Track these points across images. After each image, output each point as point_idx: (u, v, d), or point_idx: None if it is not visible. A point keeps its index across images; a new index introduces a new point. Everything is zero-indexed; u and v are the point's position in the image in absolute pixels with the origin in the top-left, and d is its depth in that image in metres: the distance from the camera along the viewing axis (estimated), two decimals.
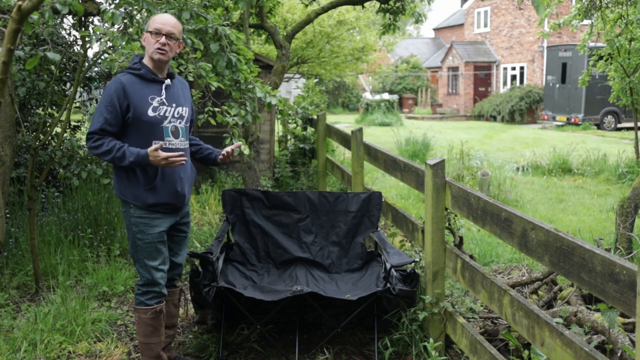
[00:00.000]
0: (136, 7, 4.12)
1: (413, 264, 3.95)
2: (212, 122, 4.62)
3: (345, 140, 6.83)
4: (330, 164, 7.67)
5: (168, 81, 3.25)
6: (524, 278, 4.36)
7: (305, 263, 4.30)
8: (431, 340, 3.39)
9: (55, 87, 6.13)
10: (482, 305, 3.97)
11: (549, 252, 2.44)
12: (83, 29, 5.00)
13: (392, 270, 3.85)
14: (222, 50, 4.54)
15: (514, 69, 29.23)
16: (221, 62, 4.53)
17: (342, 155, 11.56)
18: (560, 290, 4.21)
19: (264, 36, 9.93)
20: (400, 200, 8.50)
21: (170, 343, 3.65)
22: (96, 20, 5.45)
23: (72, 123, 7.25)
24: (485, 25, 31.12)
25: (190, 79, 4.33)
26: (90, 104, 7.50)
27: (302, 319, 3.96)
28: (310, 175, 8.63)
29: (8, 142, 4.56)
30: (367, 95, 30.05)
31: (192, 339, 4.01)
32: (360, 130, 5.91)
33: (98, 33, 4.31)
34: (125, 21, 4.16)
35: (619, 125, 21.98)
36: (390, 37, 18.69)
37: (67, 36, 6.30)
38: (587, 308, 3.87)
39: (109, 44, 4.21)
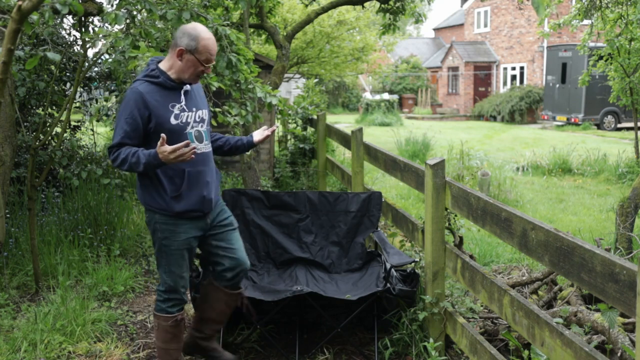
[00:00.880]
0: (137, 7, 4.12)
1: (413, 264, 3.95)
2: (213, 122, 4.62)
3: (345, 140, 6.83)
4: (330, 164, 7.67)
5: (187, 87, 3.14)
6: (524, 278, 4.36)
7: (305, 263, 4.30)
8: (431, 340, 3.39)
9: (55, 87, 6.14)
10: (482, 305, 3.98)
11: (549, 252, 2.44)
12: (83, 29, 5.00)
13: (392, 270, 3.85)
14: (222, 51, 4.54)
15: (514, 69, 29.23)
16: (221, 62, 4.53)
17: (342, 155, 11.56)
18: (560, 290, 4.21)
19: (264, 36, 9.93)
20: (400, 200, 8.50)
21: (214, 336, 3.50)
22: (96, 20, 5.45)
23: (72, 123, 7.25)
24: (485, 25, 31.12)
25: None
26: (90, 104, 7.51)
27: (302, 319, 3.96)
28: (310, 175, 8.63)
29: (8, 142, 4.56)
30: (367, 95, 30.06)
31: None
32: (360, 130, 5.91)
33: (100, 35, 4.31)
34: (127, 21, 4.16)
35: (619, 125, 21.98)
36: (390, 37, 18.68)
37: (67, 36, 6.30)
38: (587, 308, 3.87)
39: (112, 45, 4.21)
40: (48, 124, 5.61)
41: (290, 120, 9.25)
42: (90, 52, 6.03)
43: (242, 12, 7.74)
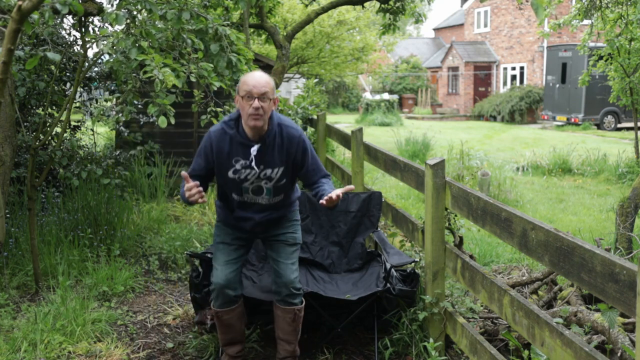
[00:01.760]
0: (137, 7, 4.12)
1: (413, 264, 3.95)
2: (215, 122, 4.62)
3: (345, 140, 6.83)
4: (330, 164, 7.67)
5: (256, 147, 3.14)
6: (524, 278, 4.36)
7: (305, 263, 4.30)
8: (431, 340, 3.39)
9: (55, 87, 6.14)
10: (482, 305, 3.97)
11: (549, 252, 2.44)
12: (83, 29, 4.99)
13: (392, 270, 3.85)
14: (222, 51, 4.54)
15: (514, 69, 29.23)
16: (221, 62, 4.53)
17: (342, 155, 11.56)
18: (560, 290, 4.21)
19: (264, 36, 9.94)
20: (400, 200, 8.50)
21: (288, 357, 3.53)
22: (96, 20, 5.45)
23: (72, 123, 7.25)
24: (485, 25, 31.12)
25: (193, 79, 4.33)
26: (90, 104, 7.51)
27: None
28: None
29: (8, 142, 4.56)
30: (367, 95, 30.05)
31: (192, 339, 4.01)
32: (360, 130, 5.91)
33: (101, 36, 4.31)
34: (127, 21, 4.16)
35: (619, 125, 21.99)
36: (390, 37, 18.68)
37: (67, 36, 6.30)
38: (587, 308, 3.87)
39: (114, 45, 4.21)
40: (48, 124, 5.61)
41: None
42: (90, 52, 6.03)
43: (242, 12, 7.75)
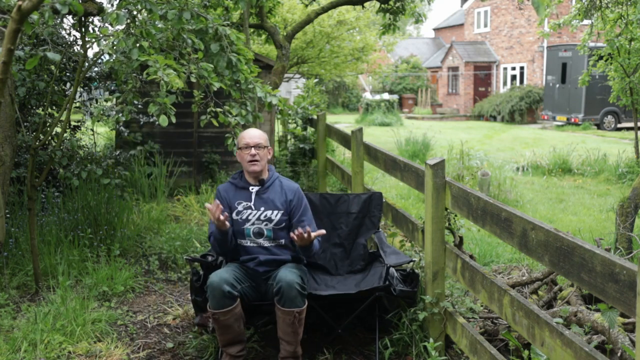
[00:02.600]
0: (137, 7, 4.12)
1: (412, 263, 3.95)
2: (215, 122, 4.62)
3: (345, 140, 6.83)
4: (330, 164, 7.67)
5: (255, 188, 3.70)
6: (524, 278, 4.36)
7: (306, 265, 4.30)
8: (431, 340, 3.39)
9: (55, 87, 6.13)
10: (482, 305, 3.97)
11: (549, 252, 2.44)
12: (83, 29, 4.99)
13: (392, 270, 3.85)
14: (222, 51, 4.54)
15: (514, 69, 29.23)
16: (221, 62, 4.53)
17: (342, 155, 11.56)
18: (560, 290, 4.21)
19: (264, 36, 9.94)
20: (400, 200, 8.50)
21: (289, 357, 3.58)
22: (96, 20, 5.45)
23: (72, 123, 7.25)
24: (485, 25, 31.12)
25: (193, 79, 4.33)
26: (90, 104, 7.51)
27: None
28: (310, 175, 8.63)
29: (8, 142, 4.56)
30: (367, 95, 30.05)
31: (192, 339, 4.01)
32: (360, 130, 5.91)
33: (102, 35, 4.31)
34: (127, 21, 4.16)
35: (619, 125, 21.99)
36: (390, 37, 18.68)
37: (67, 36, 6.30)
38: (587, 308, 3.87)
39: (114, 45, 4.20)
40: (48, 124, 5.61)
41: (290, 120, 9.25)
42: (90, 52, 6.03)
43: (242, 12, 7.75)
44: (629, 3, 8.82)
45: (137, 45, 4.06)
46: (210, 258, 3.91)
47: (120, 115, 4.74)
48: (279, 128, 10.49)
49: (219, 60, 4.53)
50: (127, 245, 5.71)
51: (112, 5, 4.53)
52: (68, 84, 6.70)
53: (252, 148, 3.68)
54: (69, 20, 5.85)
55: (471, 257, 4.22)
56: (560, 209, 8.31)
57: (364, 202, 4.37)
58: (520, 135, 19.57)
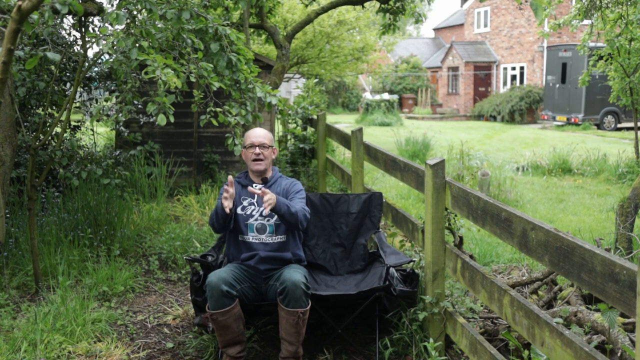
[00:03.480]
0: (137, 7, 4.11)
1: (412, 263, 3.95)
2: (215, 122, 4.62)
3: (345, 140, 6.83)
4: (330, 164, 7.67)
5: (258, 186, 3.77)
6: (524, 278, 4.35)
7: (307, 266, 4.30)
8: (431, 340, 3.39)
9: (55, 87, 6.13)
10: (482, 305, 3.97)
11: (549, 252, 2.44)
12: (83, 29, 4.99)
13: (392, 270, 3.85)
14: (222, 50, 4.54)
15: (514, 69, 29.22)
16: (221, 62, 4.53)
17: (342, 155, 11.56)
18: (560, 290, 4.21)
19: (264, 36, 9.93)
20: (400, 200, 8.50)
21: (290, 357, 3.59)
22: (96, 20, 5.45)
23: (72, 123, 7.25)
24: (485, 25, 31.12)
25: (192, 79, 4.33)
26: (90, 104, 7.51)
27: None
28: (310, 175, 8.63)
29: (8, 142, 4.56)
30: (367, 95, 30.04)
31: (192, 339, 4.01)
32: (360, 130, 5.91)
33: (102, 34, 4.31)
34: (127, 21, 4.16)
35: (619, 125, 21.98)
36: (390, 37, 18.69)
37: (67, 36, 6.30)
38: (587, 308, 3.87)
39: (114, 45, 4.20)
40: (48, 124, 5.61)
41: (290, 120, 9.25)
42: (90, 52, 6.03)
43: (242, 12, 7.75)
44: (629, 3, 8.82)
45: (137, 45, 4.06)
46: (210, 258, 3.91)
47: (120, 115, 4.74)
48: (279, 128, 10.49)
49: (218, 60, 4.53)
50: (127, 245, 5.71)
51: (112, 5, 4.52)
52: (68, 84, 6.70)
53: (257, 147, 3.77)
54: (69, 20, 5.85)
55: (471, 257, 4.22)
56: (560, 209, 8.31)
57: (364, 202, 4.37)
58: (520, 135, 19.57)
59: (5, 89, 3.45)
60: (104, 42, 4.24)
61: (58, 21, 5.68)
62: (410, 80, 33.56)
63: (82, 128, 7.71)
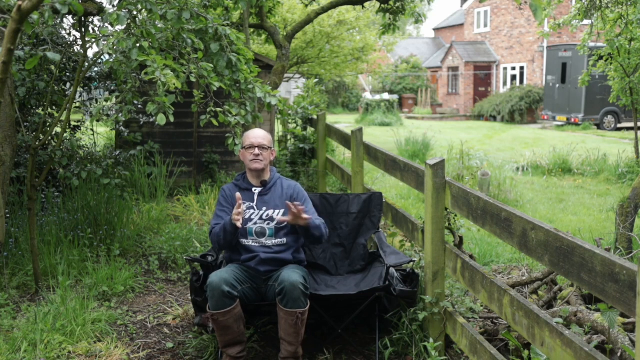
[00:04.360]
0: (137, 7, 4.11)
1: (412, 263, 3.95)
2: (215, 122, 4.62)
3: (345, 140, 6.83)
4: (330, 164, 7.67)
5: (257, 189, 3.80)
6: (524, 278, 4.36)
7: (307, 266, 4.30)
8: (431, 340, 3.39)
9: (55, 87, 6.13)
10: (482, 305, 3.97)
11: (549, 252, 2.44)
12: (83, 29, 4.99)
13: (392, 270, 3.85)
14: (222, 50, 4.54)
15: (514, 69, 29.22)
16: (221, 62, 4.53)
17: (342, 155, 11.56)
18: (560, 290, 4.21)
19: (264, 36, 9.93)
20: (400, 200, 8.50)
21: (289, 358, 3.58)
22: (96, 20, 5.45)
23: (72, 123, 7.25)
24: (485, 25, 31.12)
25: (192, 79, 4.33)
26: (90, 104, 7.51)
27: None
28: (310, 175, 8.63)
29: (8, 142, 4.56)
30: (367, 95, 30.04)
31: (192, 339, 4.01)
32: (360, 130, 5.91)
33: (102, 35, 4.31)
34: (128, 21, 4.16)
35: (619, 125, 21.98)
36: (390, 37, 18.68)
37: (67, 36, 6.30)
38: (587, 308, 3.87)
39: (114, 45, 4.20)
40: (48, 124, 5.61)
41: (290, 120, 9.25)
42: (90, 52, 6.03)
43: (242, 12, 7.75)
44: (629, 3, 8.82)
45: (137, 45, 4.06)
46: (210, 258, 3.91)
47: (120, 115, 4.74)
48: (279, 128, 10.49)
49: (219, 60, 4.53)
50: (127, 245, 5.71)
51: (113, 5, 4.52)
52: (68, 84, 6.70)
53: (256, 148, 3.77)
54: (69, 20, 5.85)
55: (471, 257, 4.22)
56: (560, 209, 8.31)
57: (364, 202, 4.37)
58: (520, 135, 19.57)
59: (5, 89, 3.45)
60: (104, 42, 4.24)
61: (58, 21, 5.68)
62: (410, 80, 33.56)
63: (82, 128, 7.71)
